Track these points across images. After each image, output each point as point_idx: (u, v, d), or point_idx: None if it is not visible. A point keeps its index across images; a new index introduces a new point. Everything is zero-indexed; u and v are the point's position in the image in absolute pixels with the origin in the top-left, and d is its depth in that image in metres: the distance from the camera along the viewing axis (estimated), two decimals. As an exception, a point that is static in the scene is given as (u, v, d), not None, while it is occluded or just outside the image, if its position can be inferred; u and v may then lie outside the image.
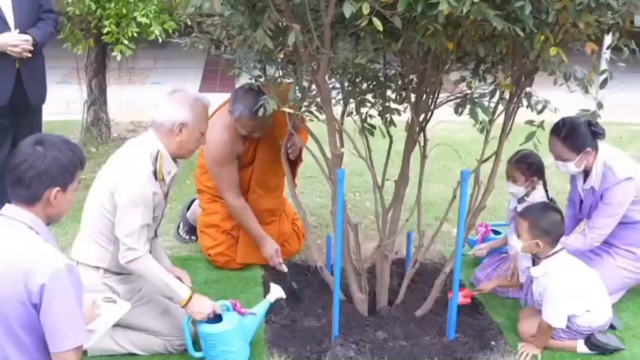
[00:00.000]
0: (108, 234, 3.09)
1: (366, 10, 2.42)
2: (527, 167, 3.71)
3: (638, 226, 3.63)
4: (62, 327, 2.24)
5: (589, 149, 3.53)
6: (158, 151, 3.09)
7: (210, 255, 4.12)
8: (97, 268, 3.10)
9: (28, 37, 4.25)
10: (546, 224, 3.26)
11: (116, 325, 3.02)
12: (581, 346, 3.33)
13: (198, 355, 3.12)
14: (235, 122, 3.74)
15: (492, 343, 3.39)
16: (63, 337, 2.25)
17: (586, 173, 3.63)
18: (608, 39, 3.05)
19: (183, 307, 3.06)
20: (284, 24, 2.86)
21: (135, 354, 3.22)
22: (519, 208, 3.86)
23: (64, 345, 2.25)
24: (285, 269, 3.95)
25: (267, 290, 3.80)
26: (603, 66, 3.10)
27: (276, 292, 3.35)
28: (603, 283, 3.38)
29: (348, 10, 2.46)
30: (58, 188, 2.36)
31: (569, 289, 3.24)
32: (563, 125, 3.53)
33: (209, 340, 3.08)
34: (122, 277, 3.16)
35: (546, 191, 3.80)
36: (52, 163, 2.34)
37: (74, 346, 2.27)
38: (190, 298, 3.05)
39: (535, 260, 3.36)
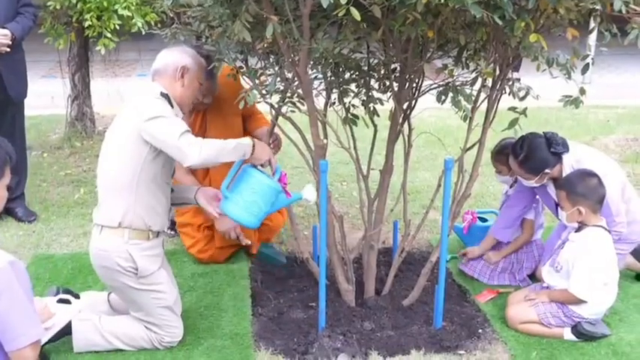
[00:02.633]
0: (128, 182, 3.01)
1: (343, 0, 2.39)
2: (507, 158, 3.72)
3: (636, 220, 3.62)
4: (14, 324, 2.22)
5: (548, 170, 3.50)
6: (164, 92, 3.09)
7: (193, 254, 4.11)
8: (122, 229, 3.04)
9: (7, 32, 4.20)
10: (583, 188, 3.29)
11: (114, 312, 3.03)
12: (567, 334, 3.33)
13: (227, 193, 3.06)
14: None
15: (479, 330, 3.39)
16: (17, 334, 2.23)
17: (555, 179, 3.60)
18: (592, 23, 3.04)
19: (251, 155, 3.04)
20: (263, 15, 2.83)
21: (120, 350, 3.19)
22: (510, 192, 3.88)
23: (19, 342, 2.23)
24: (248, 242, 3.91)
25: (253, 283, 3.81)
26: (590, 51, 3.08)
27: (310, 192, 3.19)
28: None
29: (325, 1, 2.43)
30: None
31: (600, 269, 3.28)
32: (521, 148, 3.49)
33: (252, 184, 3.03)
34: (144, 246, 3.09)
35: None
36: None
37: (30, 342, 2.25)
38: (253, 144, 3.04)
39: (578, 229, 3.37)
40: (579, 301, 3.29)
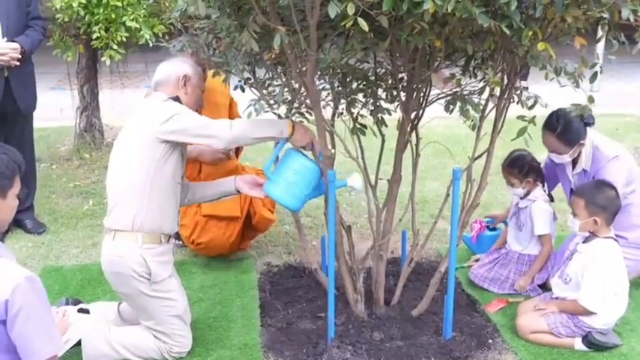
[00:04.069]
0: (141, 184, 3.04)
1: (351, 10, 2.39)
2: (519, 170, 3.75)
3: (628, 209, 3.62)
4: (33, 340, 2.21)
5: (582, 142, 3.53)
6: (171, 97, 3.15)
7: (193, 242, 4.10)
8: (135, 233, 3.05)
9: (16, 46, 4.24)
10: (603, 200, 3.27)
11: (123, 319, 3.04)
12: (578, 344, 3.30)
13: (269, 174, 3.09)
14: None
15: (489, 341, 3.37)
16: (35, 350, 2.23)
17: (574, 159, 3.64)
18: (600, 32, 3.03)
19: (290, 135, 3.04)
20: (271, 26, 2.83)
21: (129, 360, 3.20)
22: (522, 204, 3.86)
23: (37, 358, 2.23)
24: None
25: (261, 294, 3.80)
26: (598, 59, 3.07)
27: (356, 180, 3.20)
28: None
29: (333, 11, 2.44)
30: None
31: (609, 280, 3.25)
32: (557, 121, 3.52)
33: (294, 165, 3.04)
34: (157, 250, 3.10)
35: (543, 187, 3.81)
36: None
37: (47, 357, 2.25)
38: (292, 124, 3.04)
39: (586, 239, 3.36)
40: (589, 313, 3.27)
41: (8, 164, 2.35)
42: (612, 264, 3.28)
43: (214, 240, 4.09)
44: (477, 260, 4.02)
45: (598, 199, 3.27)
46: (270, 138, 3.07)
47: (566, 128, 3.53)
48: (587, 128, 3.59)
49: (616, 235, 3.59)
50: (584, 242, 3.36)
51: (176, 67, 3.23)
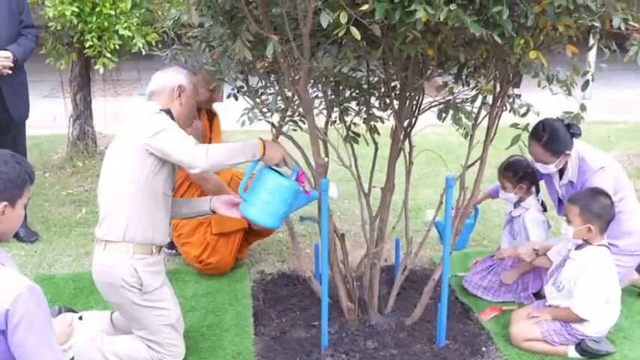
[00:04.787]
0: (132, 195, 3.02)
1: (343, 19, 2.40)
2: (513, 175, 3.76)
3: (619, 217, 3.59)
4: (33, 351, 2.19)
5: (568, 152, 3.53)
6: (163, 109, 3.13)
7: (202, 262, 4.09)
8: (126, 244, 3.03)
9: (8, 54, 4.23)
10: (598, 208, 3.27)
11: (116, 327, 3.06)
12: (572, 352, 3.31)
13: (245, 196, 3.08)
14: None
15: (483, 349, 3.37)
16: None
17: (561, 169, 3.65)
18: (591, 40, 3.05)
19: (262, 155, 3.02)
20: (264, 35, 2.84)
21: (122, 370, 3.18)
22: (515, 212, 3.87)
23: None
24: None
25: (255, 302, 3.79)
26: (590, 67, 3.09)
27: (332, 190, 3.20)
28: None
29: (325, 20, 2.45)
30: (5, 203, 2.30)
31: (602, 287, 3.26)
32: (544, 129, 3.51)
33: (268, 184, 3.02)
34: (148, 261, 3.08)
35: (537, 196, 3.82)
36: None
37: None
38: (263, 144, 3.02)
39: (579, 246, 3.36)
40: (582, 320, 3.27)
41: (20, 174, 2.35)
42: (605, 271, 3.28)
43: (222, 259, 4.10)
44: (475, 263, 4.02)
45: (593, 206, 3.27)
46: (244, 162, 3.04)
47: (551, 138, 3.51)
48: (574, 139, 3.57)
49: (610, 245, 3.61)
50: (576, 249, 3.36)
51: (171, 77, 3.22)
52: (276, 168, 3.09)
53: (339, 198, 3.21)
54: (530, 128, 3.33)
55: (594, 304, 3.25)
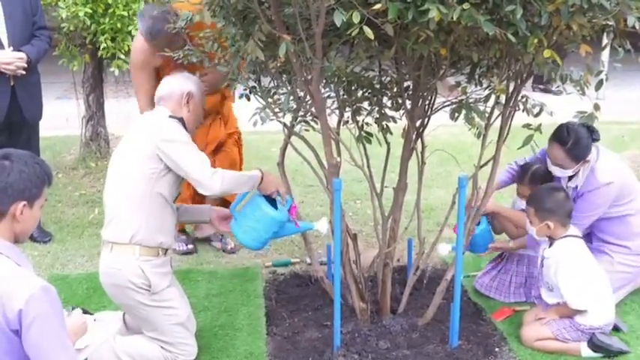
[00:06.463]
0: (140, 198, 3.05)
1: (356, 18, 2.40)
2: (530, 179, 3.74)
3: (627, 220, 3.62)
4: (46, 351, 2.19)
5: (588, 158, 3.50)
6: (174, 117, 3.17)
7: None
8: (133, 246, 3.05)
9: (22, 55, 4.25)
10: (550, 204, 3.32)
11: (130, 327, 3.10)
12: (584, 349, 3.30)
13: (235, 214, 3.23)
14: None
15: (496, 349, 3.35)
16: None
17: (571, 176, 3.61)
18: (605, 40, 3.03)
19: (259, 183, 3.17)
20: (276, 35, 2.84)
21: (134, 370, 3.19)
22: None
23: None
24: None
25: (267, 302, 3.80)
26: (603, 67, 3.07)
27: (322, 224, 3.28)
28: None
29: (338, 19, 2.44)
30: (24, 202, 2.30)
31: (581, 273, 3.29)
32: (568, 134, 3.47)
33: (257, 213, 3.15)
34: (155, 262, 3.10)
35: None
36: (19, 176, 2.28)
37: None
38: (262, 174, 3.17)
39: (551, 244, 3.40)
40: (582, 312, 3.30)
41: (39, 174, 2.35)
42: (576, 258, 3.33)
43: None
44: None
45: (546, 204, 3.33)
46: (247, 191, 3.19)
47: (575, 143, 3.46)
48: (593, 146, 3.53)
49: (618, 245, 3.62)
50: (549, 247, 3.40)
51: (180, 83, 3.23)
52: (273, 196, 3.22)
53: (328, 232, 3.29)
54: (542, 129, 3.30)
55: (584, 293, 3.28)
